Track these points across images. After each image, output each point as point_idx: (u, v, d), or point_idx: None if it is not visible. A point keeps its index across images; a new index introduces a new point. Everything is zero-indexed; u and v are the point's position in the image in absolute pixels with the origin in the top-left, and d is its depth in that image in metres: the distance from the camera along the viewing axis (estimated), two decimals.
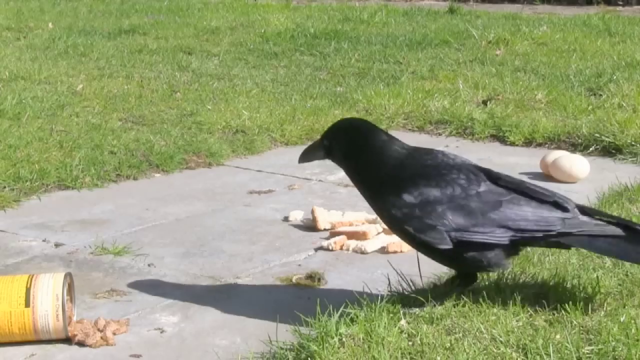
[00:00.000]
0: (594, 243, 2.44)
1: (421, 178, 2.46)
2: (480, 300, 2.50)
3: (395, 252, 3.11)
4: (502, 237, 2.41)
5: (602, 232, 2.42)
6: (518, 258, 2.82)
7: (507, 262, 2.49)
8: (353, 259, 3.12)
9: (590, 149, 4.60)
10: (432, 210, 2.40)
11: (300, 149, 4.69)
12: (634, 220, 3.22)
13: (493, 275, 2.69)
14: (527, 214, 2.42)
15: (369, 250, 3.18)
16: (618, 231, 2.41)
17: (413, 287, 2.64)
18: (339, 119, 2.74)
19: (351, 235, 3.26)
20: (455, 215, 2.40)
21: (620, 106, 5.19)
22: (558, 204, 2.45)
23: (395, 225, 2.49)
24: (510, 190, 2.47)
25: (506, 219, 2.40)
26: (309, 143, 4.82)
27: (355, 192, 3.88)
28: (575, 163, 4.06)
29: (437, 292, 2.51)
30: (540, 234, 2.41)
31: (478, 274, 2.55)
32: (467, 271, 2.54)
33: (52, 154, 4.15)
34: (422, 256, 2.93)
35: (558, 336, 2.28)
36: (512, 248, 2.48)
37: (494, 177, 2.51)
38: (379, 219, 2.82)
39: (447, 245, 2.40)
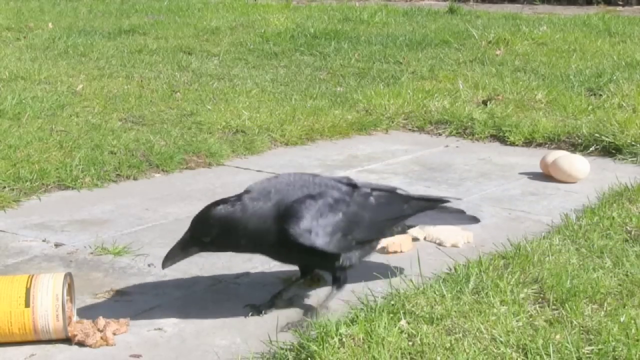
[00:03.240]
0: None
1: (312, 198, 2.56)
2: (480, 300, 2.50)
3: (395, 252, 3.11)
4: None
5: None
6: (518, 257, 2.83)
7: None
8: None
9: (590, 149, 4.60)
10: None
11: (300, 149, 4.73)
12: (634, 220, 3.23)
13: (493, 274, 2.69)
14: None
15: None
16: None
17: (413, 287, 2.64)
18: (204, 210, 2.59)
19: None
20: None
21: (620, 106, 5.19)
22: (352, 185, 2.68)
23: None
24: None
25: None
26: (309, 143, 4.87)
27: None
28: (575, 163, 4.06)
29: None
30: None
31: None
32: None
33: (52, 154, 4.15)
34: (422, 256, 2.94)
35: (558, 336, 2.28)
36: None
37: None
38: None
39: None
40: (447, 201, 2.93)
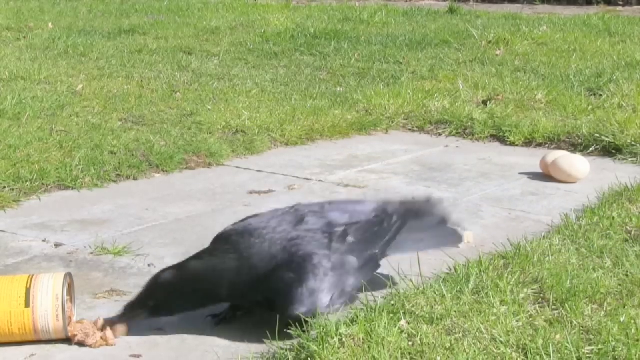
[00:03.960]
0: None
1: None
2: (480, 300, 2.50)
3: None
4: None
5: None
6: (518, 257, 2.83)
7: None
8: None
9: (590, 149, 4.61)
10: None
11: (300, 149, 4.73)
12: (634, 220, 3.22)
13: (493, 274, 2.69)
14: None
15: None
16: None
17: (413, 287, 2.64)
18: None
19: None
20: None
21: (620, 106, 5.19)
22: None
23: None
24: None
25: None
26: (309, 143, 4.87)
27: (355, 192, 3.89)
28: (575, 163, 4.06)
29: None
30: None
31: None
32: None
33: (52, 154, 4.15)
34: (422, 256, 2.94)
35: (558, 336, 2.28)
36: None
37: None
38: None
39: None
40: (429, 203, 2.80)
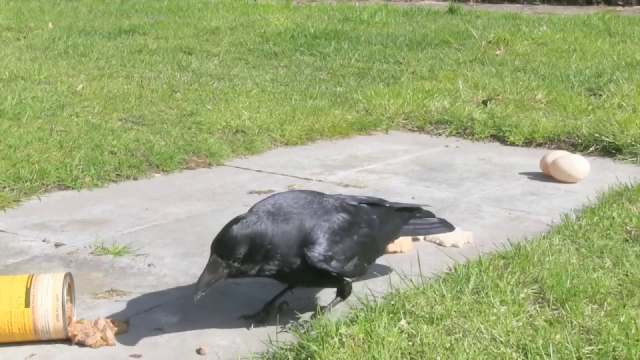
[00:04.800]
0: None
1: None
2: (480, 300, 2.50)
3: (394, 252, 3.11)
4: None
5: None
6: (518, 257, 2.83)
7: None
8: None
9: (590, 149, 4.61)
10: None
11: (300, 149, 4.73)
12: (634, 220, 3.23)
13: (493, 274, 2.69)
14: None
15: None
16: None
17: (413, 287, 2.64)
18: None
19: None
20: None
21: (620, 106, 5.20)
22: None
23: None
24: None
25: None
26: (309, 143, 4.87)
27: (355, 192, 3.89)
28: (575, 163, 4.06)
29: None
30: None
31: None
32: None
33: (52, 154, 4.15)
34: (422, 256, 2.94)
35: (558, 336, 2.28)
36: None
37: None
38: None
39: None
40: (421, 209, 2.93)
